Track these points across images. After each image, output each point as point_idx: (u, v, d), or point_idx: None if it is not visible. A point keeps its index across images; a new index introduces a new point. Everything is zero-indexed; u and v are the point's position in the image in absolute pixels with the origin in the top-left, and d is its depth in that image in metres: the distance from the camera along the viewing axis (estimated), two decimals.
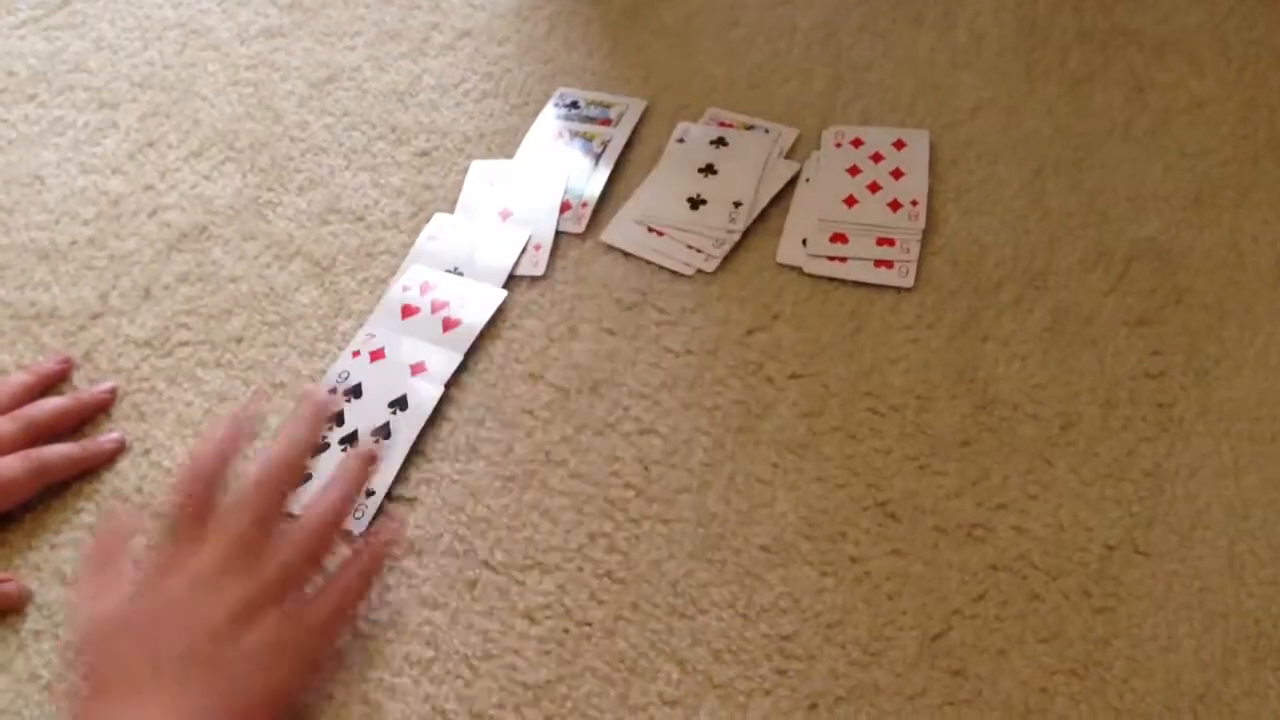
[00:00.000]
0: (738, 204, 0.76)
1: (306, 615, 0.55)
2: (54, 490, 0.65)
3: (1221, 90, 0.82)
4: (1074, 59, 0.85)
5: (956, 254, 0.74)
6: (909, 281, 0.72)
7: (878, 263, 0.73)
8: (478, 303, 0.72)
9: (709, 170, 0.78)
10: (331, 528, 0.57)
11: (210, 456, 0.56)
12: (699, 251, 0.74)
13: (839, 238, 0.74)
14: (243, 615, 0.53)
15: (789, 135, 0.80)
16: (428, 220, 0.77)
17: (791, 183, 0.78)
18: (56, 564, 0.62)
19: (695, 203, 0.76)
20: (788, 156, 0.79)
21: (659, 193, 0.77)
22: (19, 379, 0.68)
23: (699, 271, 0.73)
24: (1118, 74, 0.84)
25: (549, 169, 0.79)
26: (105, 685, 0.51)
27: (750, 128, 0.81)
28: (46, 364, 0.70)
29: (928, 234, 0.74)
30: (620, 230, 0.76)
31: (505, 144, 0.82)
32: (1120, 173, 0.78)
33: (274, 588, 0.54)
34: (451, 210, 0.77)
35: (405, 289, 0.72)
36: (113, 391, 0.69)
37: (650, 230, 0.75)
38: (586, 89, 0.84)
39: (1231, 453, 0.65)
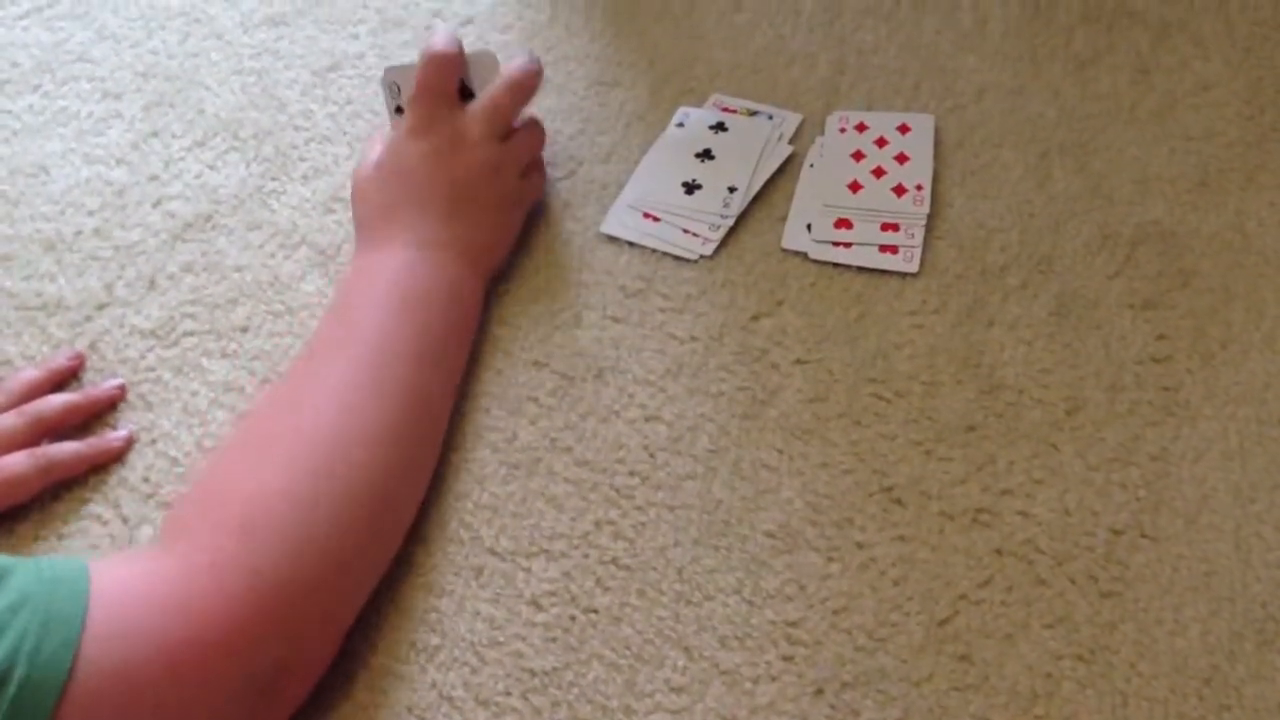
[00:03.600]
0: (732, 189, 0.76)
1: (523, 175, 0.74)
2: (61, 483, 0.65)
3: (1227, 72, 0.82)
4: (1079, 41, 0.84)
5: (961, 238, 0.74)
6: (914, 267, 0.72)
7: (882, 248, 0.73)
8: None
9: (706, 155, 0.78)
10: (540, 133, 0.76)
11: (453, 42, 0.72)
12: (695, 236, 0.74)
13: (843, 223, 0.74)
14: (494, 170, 0.71)
15: (792, 120, 0.80)
16: None
17: (793, 168, 0.77)
18: (66, 555, 0.62)
19: (690, 187, 0.76)
20: (791, 141, 0.79)
21: (654, 177, 0.77)
22: (28, 375, 0.68)
23: (702, 258, 0.73)
24: (1123, 56, 0.83)
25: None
26: (386, 216, 0.69)
27: (754, 113, 0.81)
28: (57, 359, 0.70)
29: (932, 218, 0.74)
30: (616, 218, 0.75)
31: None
32: (1126, 156, 0.77)
33: (519, 154, 0.73)
34: None
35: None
36: (122, 388, 0.69)
37: (645, 215, 0.75)
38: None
39: (1238, 436, 0.64)
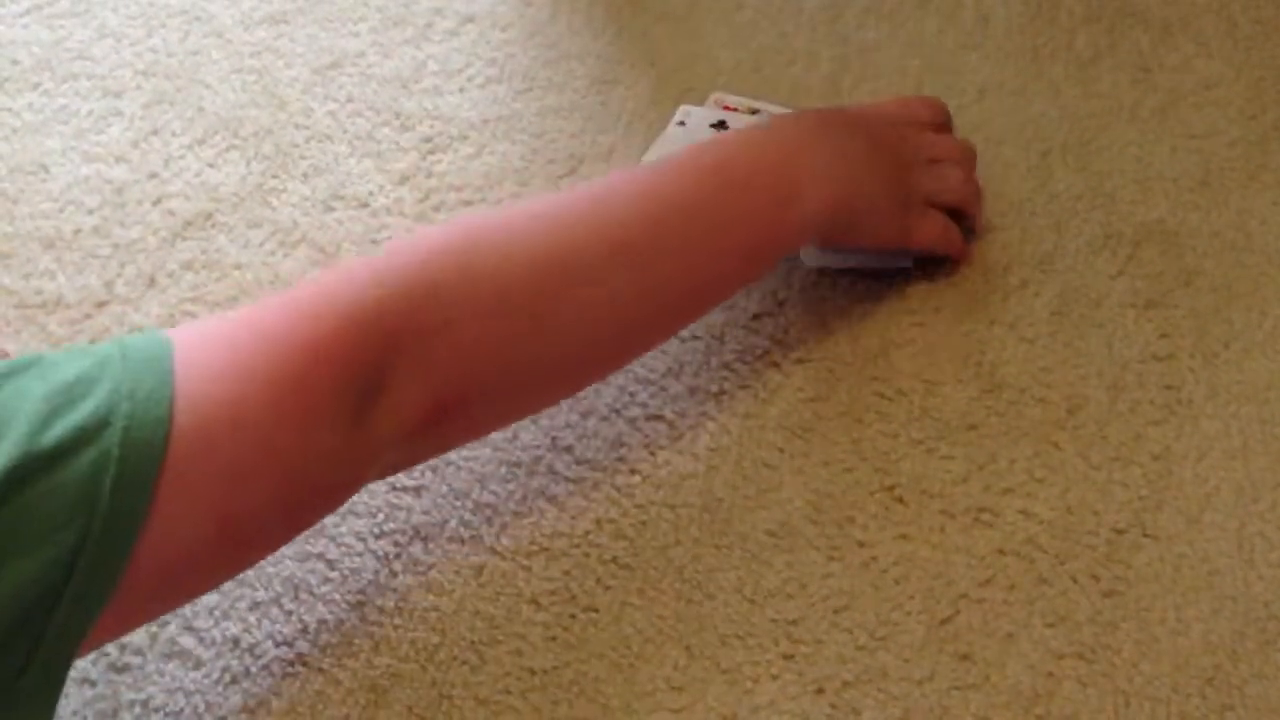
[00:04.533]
0: None
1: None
2: None
3: (1229, 71, 0.81)
4: (1081, 40, 0.84)
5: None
6: (907, 261, 0.72)
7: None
8: None
9: None
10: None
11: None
12: None
13: None
14: (926, 164, 0.69)
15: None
16: (434, 208, 0.77)
17: None
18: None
19: None
20: None
21: None
22: None
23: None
24: (1125, 55, 0.83)
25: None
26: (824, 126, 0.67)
27: (755, 111, 0.81)
28: None
29: None
30: None
31: (509, 130, 0.81)
32: (1128, 155, 0.77)
33: (949, 187, 0.70)
34: None
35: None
36: None
37: None
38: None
39: (1240, 435, 0.64)
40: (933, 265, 0.72)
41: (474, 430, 0.60)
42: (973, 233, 0.72)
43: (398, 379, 0.52)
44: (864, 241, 0.68)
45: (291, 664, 0.59)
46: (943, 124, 0.74)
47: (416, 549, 0.62)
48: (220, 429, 0.47)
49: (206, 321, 0.52)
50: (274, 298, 0.54)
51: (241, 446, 0.48)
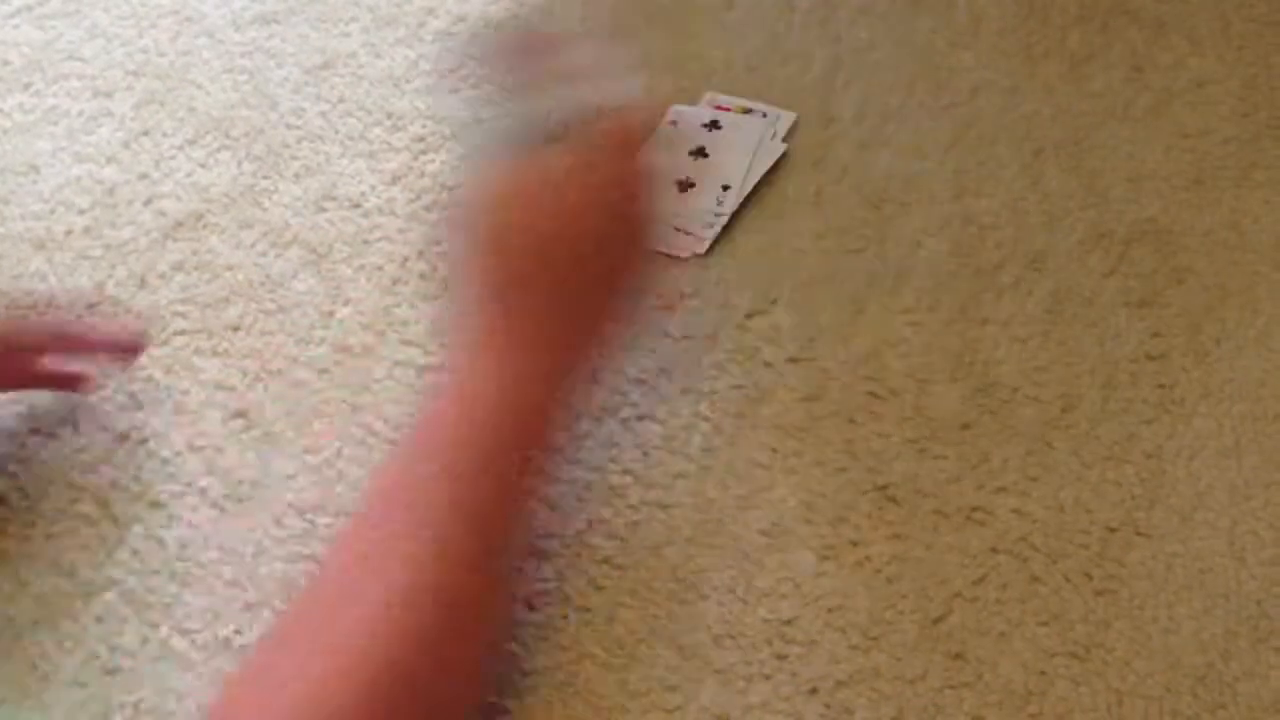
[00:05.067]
0: (726, 187, 0.75)
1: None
2: (49, 479, 0.65)
3: (1222, 69, 0.81)
4: (1073, 39, 0.84)
5: (956, 236, 0.73)
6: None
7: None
8: None
9: (700, 153, 0.78)
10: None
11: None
12: (688, 234, 0.74)
13: None
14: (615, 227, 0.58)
15: (786, 118, 0.80)
16: (426, 208, 0.77)
17: (787, 165, 0.77)
18: (53, 555, 0.62)
19: (684, 185, 0.76)
20: (785, 139, 0.79)
21: None
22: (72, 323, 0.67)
23: (695, 256, 0.73)
24: (1117, 54, 0.83)
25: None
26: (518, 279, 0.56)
27: (748, 111, 0.81)
28: (119, 333, 0.69)
29: (927, 216, 0.74)
30: None
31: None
32: (1120, 153, 0.77)
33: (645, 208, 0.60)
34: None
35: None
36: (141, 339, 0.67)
37: None
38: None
39: (1233, 434, 0.64)
40: (925, 265, 0.72)
41: None
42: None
43: None
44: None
45: None
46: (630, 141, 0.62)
47: None
48: None
49: None
50: None
51: None
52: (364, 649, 0.48)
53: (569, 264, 0.57)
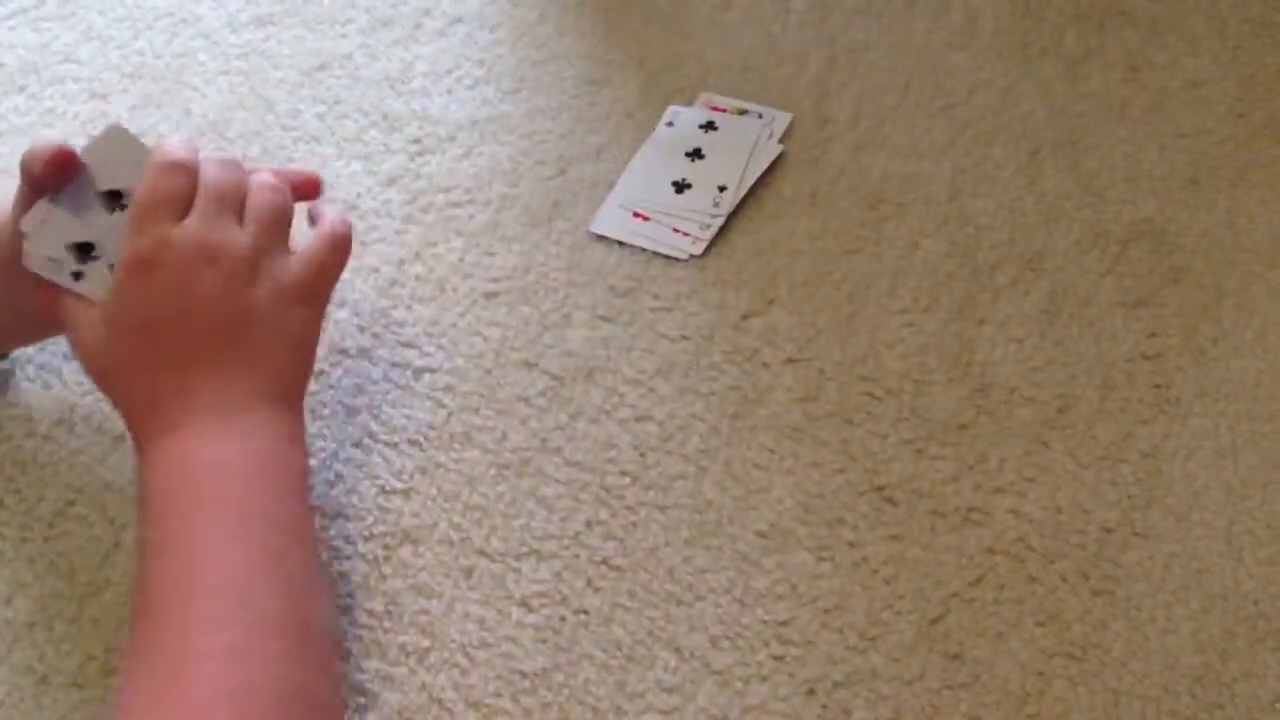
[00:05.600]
0: (722, 188, 0.75)
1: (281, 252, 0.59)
2: (46, 481, 0.65)
3: (1218, 69, 0.82)
4: (1070, 39, 0.84)
5: (953, 237, 0.73)
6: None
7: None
8: None
9: (696, 155, 0.78)
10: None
11: (186, 147, 0.58)
12: (685, 235, 0.74)
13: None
14: (253, 268, 0.56)
15: (782, 119, 0.80)
16: (422, 210, 0.77)
17: (783, 166, 0.77)
18: (51, 557, 0.62)
19: (680, 186, 0.76)
20: (781, 140, 0.79)
21: (644, 177, 0.77)
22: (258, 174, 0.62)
23: (692, 257, 0.73)
24: (1114, 54, 0.83)
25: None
26: (153, 385, 0.54)
27: (744, 111, 0.81)
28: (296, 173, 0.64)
29: (923, 216, 0.74)
30: (606, 217, 0.75)
31: (498, 131, 0.81)
32: (1117, 153, 0.77)
33: (266, 234, 0.58)
34: None
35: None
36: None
37: (635, 215, 0.75)
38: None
39: (1230, 433, 0.64)
40: (922, 265, 0.72)
41: None
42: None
43: None
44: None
45: None
46: (237, 184, 0.59)
47: (406, 552, 0.62)
48: None
49: None
50: None
51: None
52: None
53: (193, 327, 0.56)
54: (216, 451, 0.54)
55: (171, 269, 0.55)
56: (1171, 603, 0.59)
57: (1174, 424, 0.65)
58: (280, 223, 0.59)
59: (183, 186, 0.57)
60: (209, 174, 0.58)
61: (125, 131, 0.59)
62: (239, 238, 0.57)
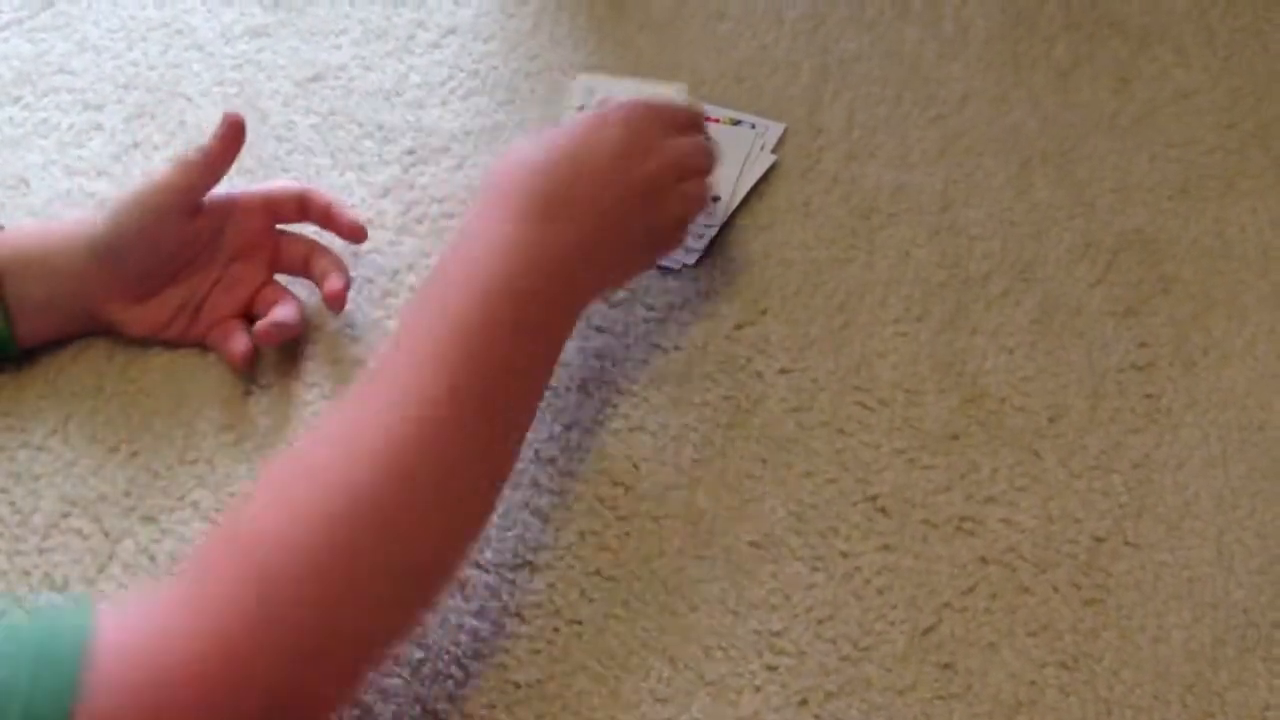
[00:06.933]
0: (715, 198, 0.76)
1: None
2: (41, 493, 0.65)
3: (1207, 80, 0.82)
4: (1060, 50, 0.85)
5: (944, 246, 0.74)
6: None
7: None
8: None
9: None
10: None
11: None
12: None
13: None
14: (659, 190, 0.64)
15: (775, 129, 0.80)
16: (416, 220, 0.77)
17: (775, 176, 0.78)
18: (46, 568, 0.62)
19: None
20: (774, 150, 0.79)
21: None
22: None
23: (685, 267, 0.73)
24: (1104, 64, 0.84)
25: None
26: (544, 205, 0.61)
27: (737, 122, 0.81)
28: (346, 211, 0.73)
29: (915, 226, 0.74)
30: None
31: (492, 141, 0.81)
32: (1107, 164, 0.78)
33: (688, 202, 0.67)
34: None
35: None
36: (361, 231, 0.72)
37: None
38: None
39: (1220, 443, 0.65)
40: (914, 276, 0.72)
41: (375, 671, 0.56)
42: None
43: (290, 710, 0.49)
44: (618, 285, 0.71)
45: None
46: (691, 125, 0.69)
47: None
48: None
49: (144, 612, 0.49)
50: (193, 591, 0.49)
51: None
52: (386, 445, 0.52)
53: (593, 180, 0.62)
54: (515, 251, 0.59)
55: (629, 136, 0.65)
56: (1163, 612, 0.59)
57: (1164, 433, 0.65)
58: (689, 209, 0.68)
59: (688, 127, 0.68)
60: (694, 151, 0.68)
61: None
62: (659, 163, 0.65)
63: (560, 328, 0.61)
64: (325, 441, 0.54)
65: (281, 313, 0.69)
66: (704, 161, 0.68)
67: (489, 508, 0.57)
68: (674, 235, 0.68)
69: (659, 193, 0.65)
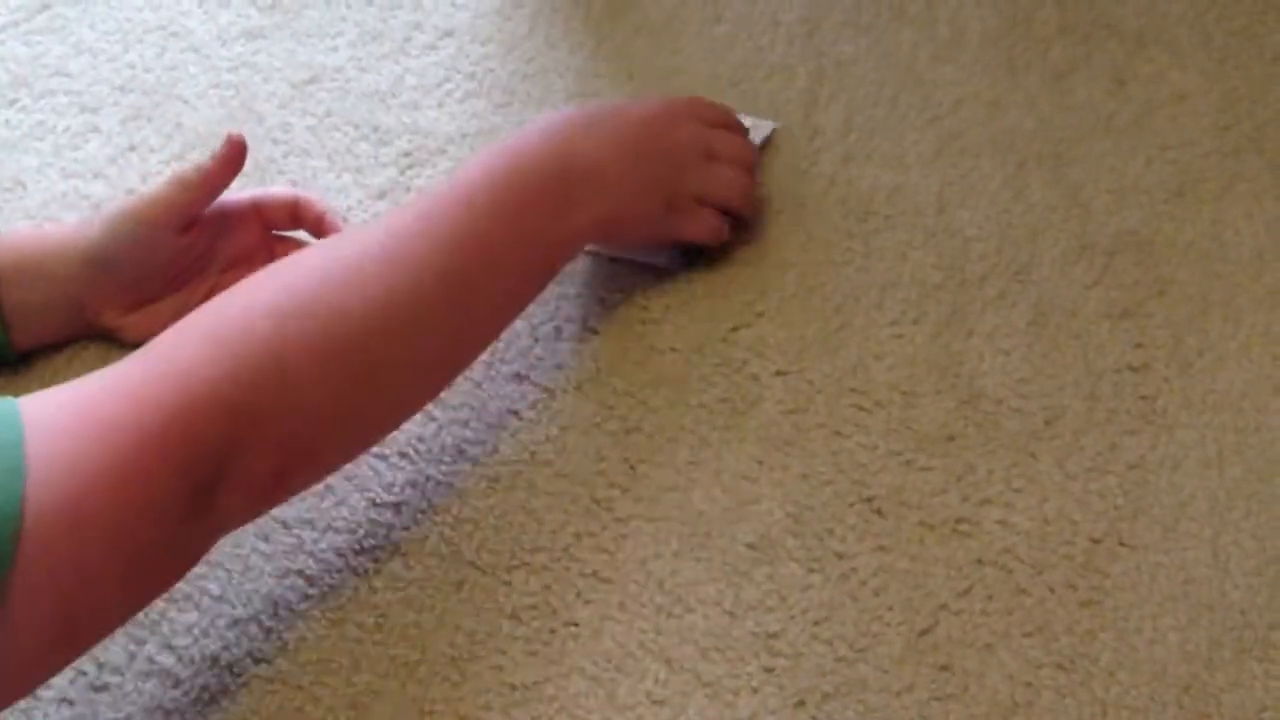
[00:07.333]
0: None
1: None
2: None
3: (1203, 82, 0.82)
4: (1056, 52, 0.85)
5: (940, 249, 0.74)
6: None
7: None
8: None
9: None
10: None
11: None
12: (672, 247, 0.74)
13: None
14: (682, 157, 0.70)
15: (764, 128, 0.80)
16: None
17: (766, 175, 0.78)
18: None
19: None
20: (763, 148, 0.79)
21: None
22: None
23: (682, 268, 0.73)
24: (1099, 67, 0.84)
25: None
26: (570, 126, 0.67)
27: None
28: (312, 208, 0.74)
29: (911, 228, 0.75)
30: None
31: (489, 143, 0.81)
32: (1103, 165, 0.78)
33: (719, 176, 0.72)
34: None
35: None
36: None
37: None
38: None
39: (1215, 444, 0.65)
40: (910, 278, 0.72)
41: (316, 479, 0.59)
42: (744, 227, 0.74)
43: (241, 457, 0.52)
44: (631, 243, 0.73)
45: (271, 681, 0.59)
46: (729, 124, 0.75)
47: (396, 565, 0.62)
48: (63, 529, 0.46)
49: (51, 399, 0.50)
50: (117, 374, 0.52)
51: (85, 546, 0.47)
52: (326, 283, 0.56)
53: (620, 121, 0.69)
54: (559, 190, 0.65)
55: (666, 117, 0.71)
56: (1159, 613, 0.59)
57: (1160, 435, 0.65)
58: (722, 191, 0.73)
59: (724, 120, 0.75)
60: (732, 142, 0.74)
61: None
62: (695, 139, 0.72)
63: (556, 235, 0.65)
64: (335, 244, 0.61)
65: None
66: (736, 151, 0.73)
67: (455, 366, 0.63)
68: (693, 212, 0.71)
69: (683, 160, 0.70)
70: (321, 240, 0.69)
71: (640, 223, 0.70)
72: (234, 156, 0.69)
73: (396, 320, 0.57)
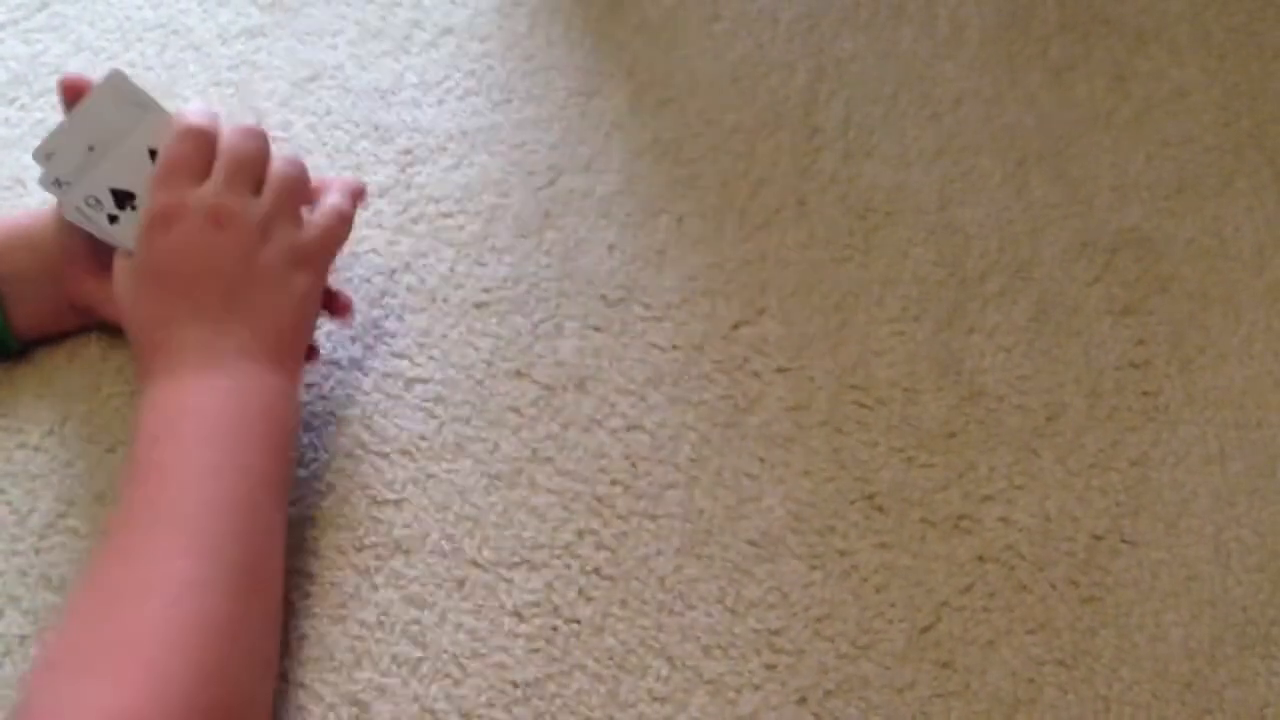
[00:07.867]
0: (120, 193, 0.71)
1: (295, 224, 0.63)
2: (38, 493, 0.65)
3: (1203, 78, 0.82)
4: (1055, 49, 0.85)
5: (941, 245, 0.74)
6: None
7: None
8: None
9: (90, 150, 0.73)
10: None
11: (209, 115, 0.63)
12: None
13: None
14: (262, 236, 0.61)
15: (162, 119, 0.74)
16: (413, 220, 0.77)
17: None
18: (43, 569, 0.62)
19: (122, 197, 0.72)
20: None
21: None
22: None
23: (679, 268, 0.73)
24: (1099, 63, 0.84)
25: None
26: (163, 329, 0.59)
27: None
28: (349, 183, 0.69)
29: (912, 225, 0.75)
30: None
31: (489, 141, 0.81)
32: (1103, 162, 0.78)
33: (282, 205, 0.62)
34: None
35: None
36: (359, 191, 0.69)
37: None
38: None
39: (1217, 440, 0.65)
40: (911, 275, 0.72)
41: None
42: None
43: None
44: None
45: None
46: (259, 154, 0.64)
47: (398, 562, 0.62)
48: None
49: None
50: None
51: None
52: (161, 641, 0.50)
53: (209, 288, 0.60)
54: (204, 398, 0.57)
55: (186, 229, 0.60)
56: (1161, 610, 0.59)
57: (1162, 431, 0.65)
58: (294, 193, 0.63)
59: (202, 151, 0.61)
60: (230, 141, 0.62)
61: (127, 81, 0.64)
62: (251, 204, 0.61)
63: (266, 434, 0.58)
64: (102, 611, 0.51)
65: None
66: (286, 193, 0.64)
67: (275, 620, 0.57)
68: (297, 246, 0.63)
69: (253, 243, 0.61)
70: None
71: (294, 307, 0.62)
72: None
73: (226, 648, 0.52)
